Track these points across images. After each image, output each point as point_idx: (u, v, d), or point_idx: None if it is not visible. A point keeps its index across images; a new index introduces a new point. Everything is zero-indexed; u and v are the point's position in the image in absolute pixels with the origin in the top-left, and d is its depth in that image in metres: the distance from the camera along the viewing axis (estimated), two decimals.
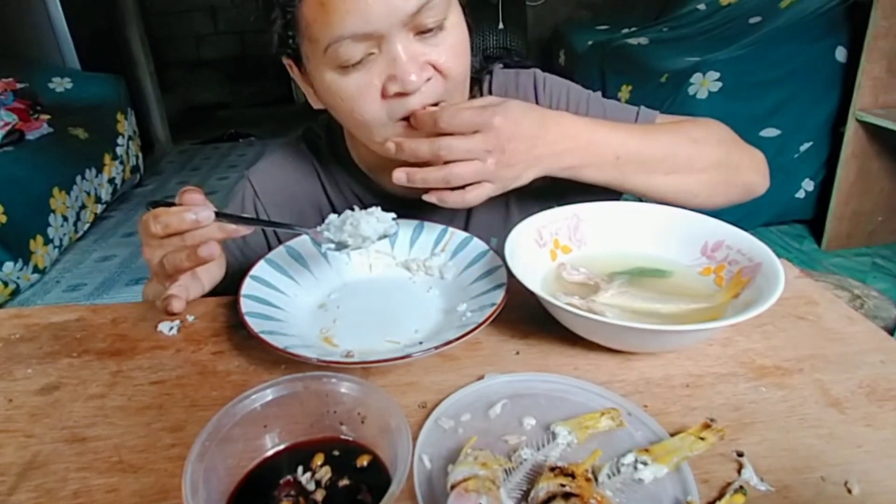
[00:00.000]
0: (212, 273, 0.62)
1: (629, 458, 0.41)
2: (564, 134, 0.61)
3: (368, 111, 0.62)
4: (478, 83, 0.79)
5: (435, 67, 0.62)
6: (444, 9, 0.60)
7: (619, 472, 0.40)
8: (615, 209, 0.65)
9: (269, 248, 0.79)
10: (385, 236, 0.61)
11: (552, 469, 0.38)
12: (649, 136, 0.66)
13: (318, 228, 0.61)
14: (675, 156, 0.66)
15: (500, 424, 0.46)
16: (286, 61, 0.67)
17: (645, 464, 0.40)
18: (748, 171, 0.72)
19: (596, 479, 0.40)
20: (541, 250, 0.63)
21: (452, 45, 0.62)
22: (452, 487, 0.37)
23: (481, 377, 0.51)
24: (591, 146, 0.62)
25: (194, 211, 0.55)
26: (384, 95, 0.61)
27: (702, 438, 0.43)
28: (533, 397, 0.48)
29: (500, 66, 0.81)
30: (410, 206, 0.77)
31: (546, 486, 0.37)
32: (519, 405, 0.47)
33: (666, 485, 0.40)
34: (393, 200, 0.77)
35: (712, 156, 0.68)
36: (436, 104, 0.62)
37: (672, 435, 0.44)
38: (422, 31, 0.60)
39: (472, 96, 0.79)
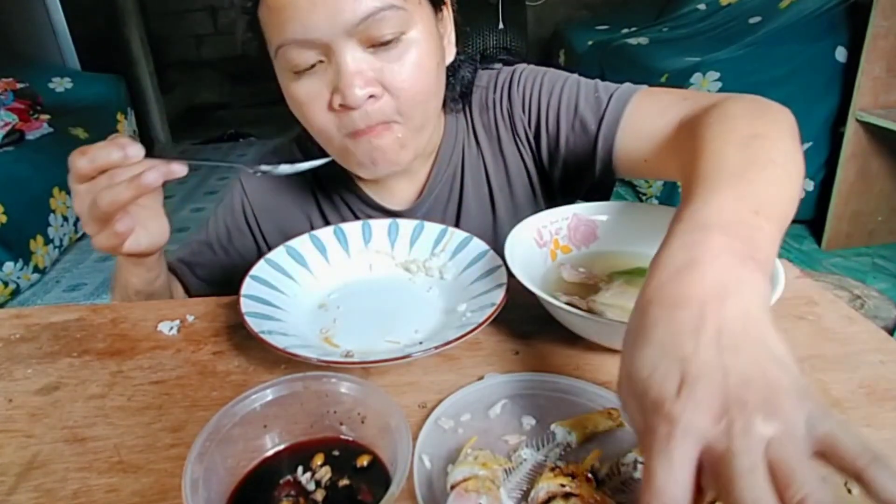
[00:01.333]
0: (150, 232, 0.59)
1: (629, 458, 0.41)
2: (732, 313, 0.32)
3: (317, 120, 0.61)
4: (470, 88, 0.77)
5: (385, 86, 0.59)
6: (403, 22, 0.57)
7: (618, 472, 0.40)
8: (615, 209, 0.65)
9: (259, 251, 0.79)
10: None
11: (552, 469, 0.38)
12: (751, 185, 0.42)
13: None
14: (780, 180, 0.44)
15: (500, 424, 0.46)
16: None
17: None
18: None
19: (596, 479, 0.39)
20: (541, 250, 0.62)
21: (408, 63, 0.59)
22: (452, 487, 0.37)
23: (481, 377, 0.51)
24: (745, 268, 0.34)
25: (121, 145, 0.52)
26: (330, 107, 0.60)
27: None
28: (533, 397, 0.48)
29: (500, 65, 0.79)
30: (392, 213, 0.76)
31: (546, 486, 0.37)
32: (519, 405, 0.47)
33: None
34: (381, 209, 0.77)
35: (794, 164, 0.47)
36: (385, 124, 0.60)
37: None
38: (375, 44, 0.57)
39: (463, 100, 0.76)
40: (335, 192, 0.79)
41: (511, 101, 0.75)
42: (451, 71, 0.72)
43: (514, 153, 0.76)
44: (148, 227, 0.59)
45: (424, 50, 0.60)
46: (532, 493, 0.38)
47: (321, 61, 0.58)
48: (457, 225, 0.76)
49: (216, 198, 3.25)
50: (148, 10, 4.47)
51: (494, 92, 0.76)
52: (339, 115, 0.60)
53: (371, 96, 0.58)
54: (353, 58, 0.57)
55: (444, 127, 0.76)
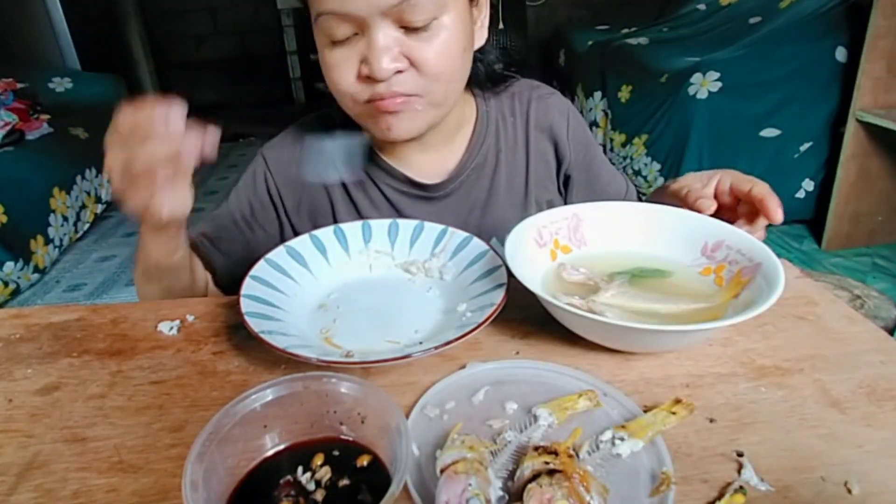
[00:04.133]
0: (175, 197, 0.57)
1: (607, 435, 0.43)
2: None
3: (343, 85, 0.65)
4: (491, 88, 0.81)
5: (412, 62, 0.63)
6: (436, 8, 0.61)
7: (598, 448, 0.43)
8: (615, 209, 0.65)
9: (281, 225, 0.81)
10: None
11: (536, 448, 0.40)
12: None
13: None
14: None
15: (484, 410, 0.47)
16: None
17: (622, 439, 0.42)
18: None
19: (577, 456, 0.41)
20: (541, 250, 0.62)
21: (436, 44, 0.63)
22: (442, 471, 0.38)
23: (463, 366, 0.52)
24: None
25: (167, 113, 0.54)
26: (358, 76, 0.64)
27: (673, 413, 0.45)
28: (513, 383, 0.50)
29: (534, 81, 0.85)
30: (418, 186, 0.79)
31: (531, 464, 0.39)
32: (500, 391, 0.49)
33: (642, 458, 0.42)
34: (401, 179, 0.79)
35: None
36: (408, 96, 0.64)
37: (645, 411, 0.46)
38: (407, 26, 0.61)
39: (491, 85, 0.81)
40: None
41: (569, 131, 0.83)
42: (479, 54, 0.76)
43: (550, 160, 0.84)
44: (174, 191, 0.57)
45: (453, 35, 0.64)
46: (518, 472, 0.39)
47: (356, 34, 0.63)
48: (486, 205, 0.80)
49: (217, 197, 3.25)
50: (148, 10, 4.47)
51: (548, 112, 0.82)
52: (363, 85, 0.65)
53: (398, 71, 0.63)
54: (385, 35, 0.61)
55: (477, 113, 0.80)
